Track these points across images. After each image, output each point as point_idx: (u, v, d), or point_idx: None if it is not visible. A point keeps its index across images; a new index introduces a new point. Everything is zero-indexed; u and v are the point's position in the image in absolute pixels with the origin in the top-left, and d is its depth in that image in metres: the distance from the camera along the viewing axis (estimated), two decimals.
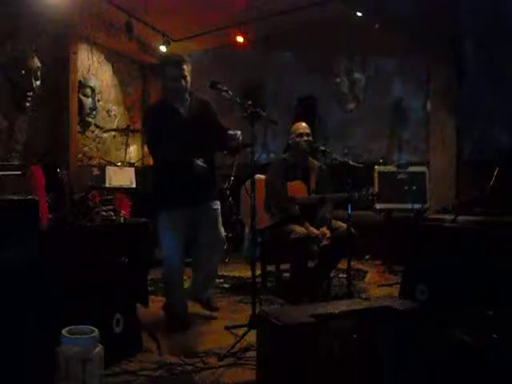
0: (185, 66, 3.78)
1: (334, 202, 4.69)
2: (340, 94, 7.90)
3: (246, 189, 4.82)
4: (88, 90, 7.47)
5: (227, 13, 6.86)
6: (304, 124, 4.82)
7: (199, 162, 3.71)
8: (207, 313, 4.14)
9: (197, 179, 3.76)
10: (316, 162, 4.88)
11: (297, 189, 4.67)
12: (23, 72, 6.16)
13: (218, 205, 4.06)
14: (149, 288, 4.53)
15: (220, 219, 4.06)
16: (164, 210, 3.88)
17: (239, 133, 3.80)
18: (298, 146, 4.73)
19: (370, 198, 4.50)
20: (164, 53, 3.74)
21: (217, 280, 4.35)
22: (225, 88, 3.72)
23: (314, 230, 4.42)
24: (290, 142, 4.84)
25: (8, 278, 2.53)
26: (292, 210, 4.55)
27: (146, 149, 7.78)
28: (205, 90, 3.88)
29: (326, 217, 4.57)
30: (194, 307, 4.12)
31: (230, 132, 3.79)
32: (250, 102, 3.67)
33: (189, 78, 3.82)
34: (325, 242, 4.37)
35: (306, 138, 4.70)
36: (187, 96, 3.90)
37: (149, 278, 4.55)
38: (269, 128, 7.92)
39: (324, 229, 4.45)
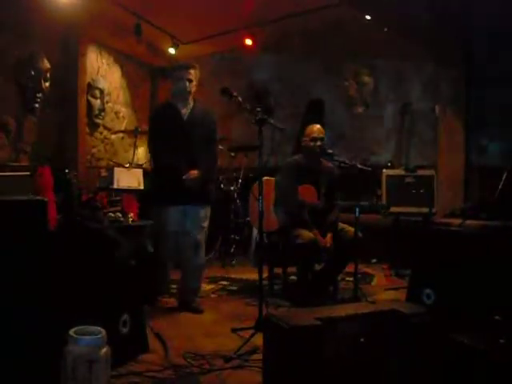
0: (191, 71, 4.09)
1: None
2: (348, 98, 7.89)
3: (254, 193, 4.85)
4: (97, 92, 7.49)
5: (236, 16, 6.86)
6: (318, 127, 4.76)
7: (189, 175, 4.04)
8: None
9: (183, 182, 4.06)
10: (329, 165, 4.85)
11: (307, 193, 4.64)
12: (32, 73, 6.19)
13: (204, 210, 4.27)
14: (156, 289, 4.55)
15: (202, 225, 4.26)
16: (154, 204, 4.33)
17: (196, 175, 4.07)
18: (311, 150, 4.70)
19: (382, 211, 4.50)
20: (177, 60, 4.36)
21: (200, 285, 4.48)
22: (235, 94, 3.78)
23: (322, 239, 4.43)
24: (303, 144, 4.81)
25: (16, 277, 2.54)
26: (301, 214, 4.54)
27: None
28: (214, 92, 3.90)
29: (334, 221, 4.58)
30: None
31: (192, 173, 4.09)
32: (258, 109, 3.69)
33: (194, 83, 4.13)
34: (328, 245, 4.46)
35: (319, 143, 4.67)
36: (190, 99, 4.20)
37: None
38: (276, 132, 7.93)
39: (328, 237, 4.47)
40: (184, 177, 4.03)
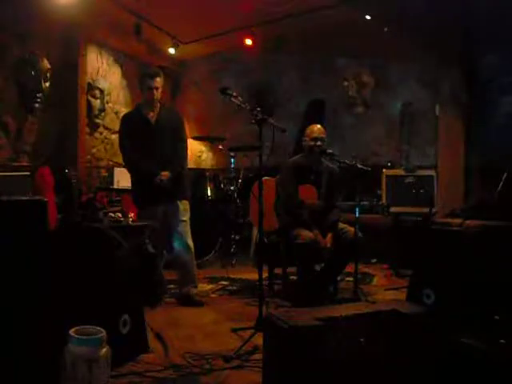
0: (157, 79, 4.40)
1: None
2: (348, 98, 7.89)
3: (254, 193, 4.86)
4: (97, 92, 7.49)
5: (236, 16, 6.86)
6: (319, 127, 4.76)
7: (161, 177, 4.33)
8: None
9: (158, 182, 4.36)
10: (329, 165, 4.85)
11: (307, 193, 4.64)
12: (32, 73, 6.19)
13: (182, 204, 4.50)
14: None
15: (182, 219, 4.48)
16: (137, 207, 4.53)
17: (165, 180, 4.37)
18: (311, 150, 4.70)
19: (381, 210, 4.50)
20: (146, 67, 4.66)
21: (195, 277, 4.66)
22: (234, 94, 3.78)
23: (322, 240, 4.42)
24: (303, 144, 4.81)
25: (16, 277, 2.54)
26: (301, 214, 4.53)
27: None
28: (214, 92, 3.90)
29: (334, 222, 4.57)
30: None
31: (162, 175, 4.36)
32: (258, 109, 3.70)
33: (160, 90, 4.44)
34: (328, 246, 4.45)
35: (319, 143, 4.67)
36: (157, 105, 4.49)
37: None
38: (276, 132, 7.92)
39: (329, 237, 4.46)
40: (156, 180, 4.31)
